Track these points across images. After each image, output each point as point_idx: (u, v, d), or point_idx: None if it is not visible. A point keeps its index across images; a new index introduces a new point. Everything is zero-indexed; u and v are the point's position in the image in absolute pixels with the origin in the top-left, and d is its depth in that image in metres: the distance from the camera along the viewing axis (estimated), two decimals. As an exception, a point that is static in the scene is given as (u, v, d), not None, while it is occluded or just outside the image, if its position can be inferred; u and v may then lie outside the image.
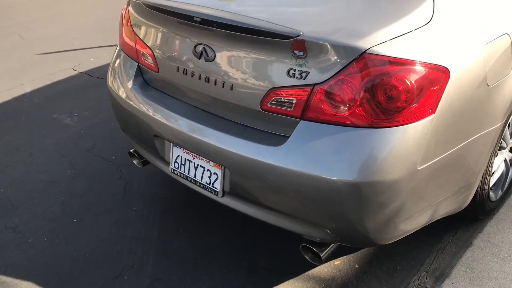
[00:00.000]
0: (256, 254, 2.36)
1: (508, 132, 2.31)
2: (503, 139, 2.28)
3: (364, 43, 1.62)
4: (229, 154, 1.90)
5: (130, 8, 2.34)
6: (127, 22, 2.37)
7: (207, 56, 1.94)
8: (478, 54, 1.80)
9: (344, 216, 1.74)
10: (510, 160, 2.50)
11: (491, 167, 2.20)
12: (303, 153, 1.72)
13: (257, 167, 1.82)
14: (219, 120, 2.01)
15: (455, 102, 1.73)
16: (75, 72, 4.54)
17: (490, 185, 2.29)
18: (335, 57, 1.65)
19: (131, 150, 2.58)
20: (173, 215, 2.65)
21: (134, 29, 2.30)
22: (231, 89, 1.91)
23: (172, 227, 2.57)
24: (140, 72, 2.34)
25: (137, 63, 2.33)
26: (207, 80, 1.98)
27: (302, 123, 1.75)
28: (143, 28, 2.25)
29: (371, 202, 1.68)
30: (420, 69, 1.64)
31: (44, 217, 2.68)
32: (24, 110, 3.89)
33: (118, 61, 2.48)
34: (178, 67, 2.08)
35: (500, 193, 2.45)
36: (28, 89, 4.24)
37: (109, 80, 2.49)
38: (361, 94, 1.65)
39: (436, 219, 2.00)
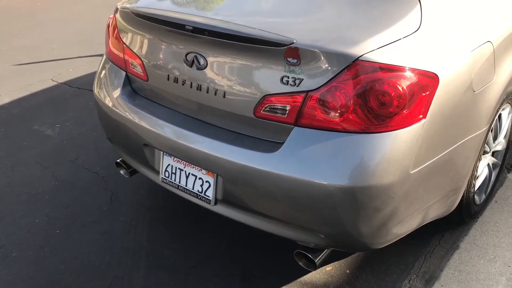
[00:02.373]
0: (248, 262, 2.36)
1: (491, 137, 2.38)
2: (486, 144, 2.35)
3: (356, 51, 1.65)
4: (222, 161, 1.90)
5: (117, 16, 2.33)
6: (114, 31, 2.36)
7: (199, 64, 1.95)
8: (464, 61, 1.86)
9: (339, 221, 1.76)
10: (492, 164, 2.57)
11: (476, 171, 2.26)
12: (298, 159, 1.74)
13: (251, 174, 1.83)
14: (211, 128, 2.02)
15: (444, 107, 1.78)
16: (54, 83, 4.48)
17: (475, 189, 2.35)
18: (328, 64, 1.68)
19: (118, 160, 2.56)
20: (162, 225, 2.63)
21: (122, 38, 2.29)
22: (224, 96, 1.91)
23: (162, 236, 2.55)
24: (128, 81, 2.33)
25: (125, 72, 2.32)
26: (199, 88, 1.98)
27: (296, 129, 1.77)
28: (131, 36, 2.24)
29: (365, 206, 1.71)
30: (411, 75, 1.68)
31: (28, 230, 2.62)
32: (3, 121, 3.81)
33: (104, 70, 2.46)
34: (168, 75, 2.08)
35: (483, 196, 2.51)
36: (6, 100, 4.16)
37: (96, 89, 2.47)
38: (354, 100, 1.68)
39: (425, 223, 2.04)
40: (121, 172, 2.59)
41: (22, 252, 2.48)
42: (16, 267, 2.38)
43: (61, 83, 4.47)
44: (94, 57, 5.05)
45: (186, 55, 1.98)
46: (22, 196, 2.91)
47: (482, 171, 2.44)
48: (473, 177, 2.22)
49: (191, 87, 2.01)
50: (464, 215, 2.34)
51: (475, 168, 2.20)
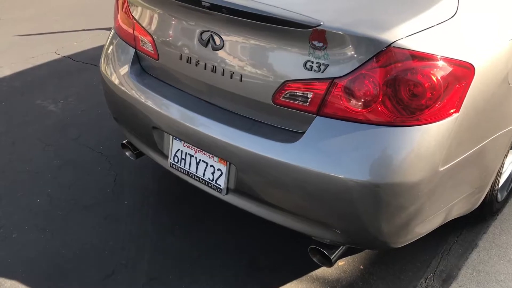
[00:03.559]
0: (257, 252, 2.26)
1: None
2: (513, 139, 2.23)
3: (389, 36, 1.52)
4: (237, 150, 1.79)
5: (128, -11, 2.19)
6: (124, 5, 2.21)
7: (215, 44, 1.81)
8: (501, 51, 1.72)
9: (359, 217, 1.66)
10: (516, 160, 2.46)
11: (502, 167, 2.15)
12: (319, 151, 1.62)
13: (267, 165, 1.72)
14: (225, 113, 1.89)
15: (478, 100, 1.65)
16: (57, 56, 4.33)
17: (499, 186, 2.24)
18: (357, 50, 1.55)
19: (124, 142, 2.44)
20: (167, 210, 2.53)
21: (132, 12, 2.15)
22: (240, 80, 1.79)
23: (167, 222, 2.45)
24: (137, 59, 2.20)
25: (134, 49, 2.18)
26: (214, 70, 1.85)
27: (318, 119, 1.65)
28: (142, 11, 2.10)
29: (389, 204, 1.60)
30: (446, 65, 1.55)
31: (29, 210, 2.52)
32: (4, 95, 3.68)
33: (112, 46, 2.33)
34: (181, 55, 1.95)
35: (505, 193, 2.40)
36: (7, 72, 4.02)
37: (102, 66, 2.34)
38: (383, 90, 1.55)
39: (447, 221, 1.93)
40: (127, 154, 2.48)
41: (23, 233, 2.38)
42: (16, 249, 2.29)
43: (64, 56, 4.33)
44: (99, 31, 4.89)
45: (201, 34, 1.85)
46: (23, 174, 2.80)
47: (507, 168, 2.33)
48: (499, 173, 2.11)
49: (205, 68, 1.88)
50: (485, 212, 2.23)
51: (502, 164, 2.08)
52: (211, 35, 1.82)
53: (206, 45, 1.84)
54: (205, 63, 1.87)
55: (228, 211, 2.48)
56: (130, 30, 2.17)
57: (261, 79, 1.74)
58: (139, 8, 2.11)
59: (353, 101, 1.59)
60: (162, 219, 2.47)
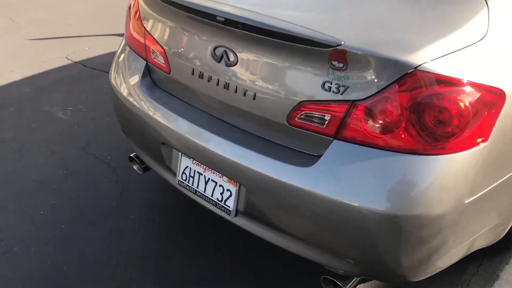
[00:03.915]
0: (263, 276, 2.16)
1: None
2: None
3: (415, 59, 1.42)
4: (248, 171, 1.70)
5: (140, -1, 2.12)
6: (136, 15, 2.14)
7: (228, 60, 1.73)
8: (533, 76, 1.62)
9: (376, 249, 1.55)
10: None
11: (528, 197, 2.03)
12: (336, 177, 1.53)
13: (280, 189, 1.62)
14: (237, 132, 1.81)
15: (508, 129, 1.55)
16: (68, 61, 4.28)
17: (524, 215, 2.12)
18: (381, 72, 1.45)
19: (131, 155, 2.36)
20: (173, 226, 2.45)
21: (144, 23, 2.08)
22: (254, 98, 1.70)
23: (173, 239, 2.36)
24: (148, 71, 2.12)
25: (145, 61, 2.11)
26: (226, 86, 1.77)
27: (336, 143, 1.56)
28: (154, 23, 2.02)
29: (410, 237, 1.50)
30: (475, 91, 1.45)
31: (32, 222, 2.45)
32: (13, 100, 3.63)
33: (123, 56, 2.25)
34: (193, 69, 1.86)
35: (529, 222, 2.28)
36: (18, 76, 3.97)
37: (112, 76, 2.27)
38: (407, 116, 1.46)
39: (469, 253, 1.82)
40: (134, 167, 2.40)
41: (24, 246, 2.31)
42: (16, 264, 2.21)
43: (75, 62, 4.27)
44: (112, 37, 4.83)
45: (214, 49, 1.77)
46: (28, 183, 2.73)
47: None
48: (524, 203, 2.00)
49: (217, 84, 1.79)
50: (509, 243, 2.12)
51: (528, 194, 1.97)
52: (225, 51, 1.73)
53: (219, 61, 1.76)
54: (218, 79, 1.79)
55: (236, 231, 2.38)
56: (142, 41, 2.10)
57: (275, 98, 1.65)
58: (151, 20, 2.03)
59: (374, 126, 1.49)
60: (168, 236, 2.38)
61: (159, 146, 2.02)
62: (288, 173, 1.61)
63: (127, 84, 2.16)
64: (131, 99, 2.10)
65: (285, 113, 1.64)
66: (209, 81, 1.82)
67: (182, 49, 1.91)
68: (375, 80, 1.47)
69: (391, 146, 1.48)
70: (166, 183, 2.67)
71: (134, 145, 2.31)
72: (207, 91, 1.85)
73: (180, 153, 1.97)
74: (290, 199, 1.61)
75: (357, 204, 1.49)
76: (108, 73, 4.03)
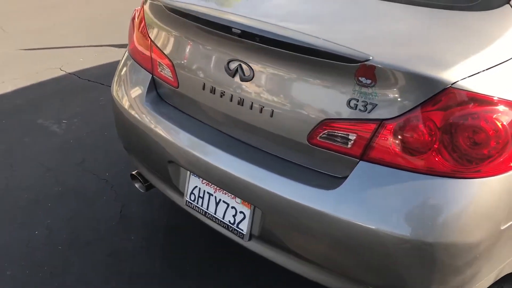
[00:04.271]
0: (276, 303, 2.05)
1: None
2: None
3: (449, 76, 1.33)
4: (264, 193, 1.59)
5: (145, 9, 2.01)
6: (140, 25, 2.04)
7: (244, 74, 1.63)
8: None
9: (405, 278, 1.45)
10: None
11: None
12: (363, 201, 1.43)
13: (301, 213, 1.52)
14: (252, 151, 1.70)
15: (543, 150, 1.46)
16: (62, 73, 4.15)
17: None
18: (412, 89, 1.36)
19: (133, 172, 2.24)
20: (178, 248, 2.32)
21: (150, 34, 1.97)
22: (271, 115, 1.60)
23: (178, 262, 2.23)
24: (154, 85, 2.01)
25: (151, 75, 2.00)
26: (241, 102, 1.66)
27: (362, 164, 1.46)
28: (161, 34, 1.92)
29: (443, 266, 1.40)
30: (511, 110, 1.36)
31: (26, 244, 2.31)
32: (5, 112, 3.49)
33: (126, 69, 2.14)
34: (204, 84, 1.76)
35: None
36: (9, 88, 3.83)
37: (115, 90, 2.15)
38: (440, 136, 1.36)
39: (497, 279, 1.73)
40: (136, 185, 2.28)
41: (18, 270, 2.16)
42: (10, 289, 2.07)
43: (70, 73, 4.15)
44: (107, 47, 4.72)
45: (228, 63, 1.66)
46: (21, 201, 2.59)
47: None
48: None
49: (231, 100, 1.69)
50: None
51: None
52: (240, 65, 1.63)
53: (233, 75, 1.66)
54: (231, 95, 1.68)
55: (244, 253, 2.25)
56: (148, 54, 1.99)
57: (295, 115, 1.55)
58: (158, 30, 1.93)
59: (404, 147, 1.40)
60: (172, 259, 2.25)
61: (166, 165, 1.90)
62: (310, 196, 1.50)
63: (131, 98, 2.04)
64: (135, 115, 1.98)
65: (306, 131, 1.54)
66: (221, 96, 1.72)
67: (192, 63, 1.80)
68: (406, 98, 1.37)
69: (422, 168, 1.38)
70: (170, 202, 2.56)
71: (137, 163, 2.19)
72: (219, 107, 1.74)
73: (188, 172, 1.86)
74: (312, 223, 1.51)
75: (386, 230, 1.38)
76: (104, 84, 3.95)
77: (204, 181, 1.82)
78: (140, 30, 2.04)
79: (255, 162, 1.65)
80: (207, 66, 1.75)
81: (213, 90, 1.74)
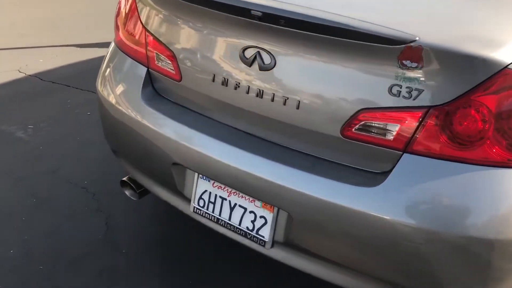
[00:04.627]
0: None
1: None
2: None
3: (504, 56, 1.22)
4: (292, 194, 1.42)
5: (137, -5, 1.80)
6: (131, 13, 1.82)
7: (263, 63, 1.46)
8: None
9: (462, 278, 1.32)
10: None
11: None
12: (411, 198, 1.29)
13: (338, 214, 1.36)
14: (274, 148, 1.53)
15: None
16: (21, 75, 3.81)
17: None
18: (463, 72, 1.24)
19: (124, 178, 2.01)
20: (175, 261, 2.10)
21: (144, 22, 1.76)
22: (297, 107, 1.43)
23: (176, 278, 2.02)
24: (150, 80, 1.80)
25: (146, 68, 1.79)
26: (260, 94, 1.49)
27: (406, 157, 1.32)
28: (159, 22, 1.72)
29: (505, 264, 1.28)
30: None
31: (1, 265, 2.03)
32: (-39, 119, 3.14)
33: (114, 63, 1.91)
34: (214, 76, 1.57)
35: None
36: (-37, 93, 3.47)
37: (101, 87, 1.92)
38: (495, 123, 1.25)
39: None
40: (127, 193, 2.05)
41: (-6, 296, 1.90)
42: (-12, 319, 1.80)
43: (30, 75, 3.81)
44: (69, 48, 4.40)
45: (243, 50, 1.49)
46: (-10, 217, 2.30)
47: None
48: None
49: (247, 92, 1.51)
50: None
51: None
52: (258, 52, 1.46)
53: (250, 64, 1.48)
54: (248, 86, 1.51)
55: (248, 261, 2.08)
56: (141, 44, 1.78)
57: (326, 106, 1.40)
58: (155, 18, 1.73)
59: (454, 136, 1.27)
60: (170, 274, 2.04)
61: (169, 168, 1.70)
62: (347, 194, 1.35)
63: (123, 95, 1.82)
64: (129, 113, 1.77)
65: (339, 123, 1.38)
66: (236, 88, 1.54)
67: (198, 52, 1.61)
68: (456, 82, 1.25)
69: (478, 158, 1.26)
70: (162, 209, 2.36)
71: (130, 167, 1.96)
72: (234, 100, 1.56)
73: (196, 175, 1.67)
74: (352, 225, 1.35)
75: (439, 228, 1.25)
76: (69, 86, 3.66)
77: (216, 184, 1.63)
78: (131, 18, 1.83)
79: (279, 160, 1.48)
80: (217, 55, 1.57)
81: (225, 82, 1.56)
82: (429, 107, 1.28)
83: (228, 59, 1.54)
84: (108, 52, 1.98)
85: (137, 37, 1.80)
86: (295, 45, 1.41)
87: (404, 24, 1.28)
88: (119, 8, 1.94)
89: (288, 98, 1.44)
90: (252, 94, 1.50)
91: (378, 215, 1.30)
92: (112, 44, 1.97)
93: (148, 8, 1.75)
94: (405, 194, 1.30)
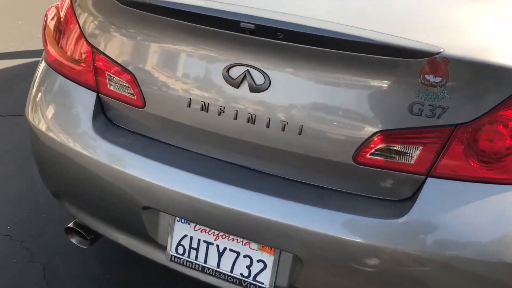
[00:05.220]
0: None
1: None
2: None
3: (533, 66, 1.13)
4: (302, 234, 1.23)
5: (78, 4, 1.48)
6: (70, 24, 1.50)
7: (255, 84, 1.24)
8: None
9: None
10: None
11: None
12: (444, 227, 1.16)
13: (358, 253, 1.19)
14: (272, 181, 1.32)
15: None
16: None
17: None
18: (491, 86, 1.13)
19: (70, 225, 1.67)
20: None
21: (89, 37, 1.45)
22: (300, 133, 1.23)
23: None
24: (101, 107, 1.49)
25: (95, 93, 1.47)
26: (252, 120, 1.27)
27: (431, 181, 1.18)
28: (110, 35, 1.42)
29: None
30: None
31: None
32: None
33: (48, 88, 1.57)
34: (190, 99, 1.32)
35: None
36: None
37: (32, 117, 1.57)
38: (525, 138, 1.15)
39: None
40: (74, 241, 1.71)
41: None
42: None
43: None
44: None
45: (228, 69, 1.26)
46: None
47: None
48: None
49: (235, 118, 1.28)
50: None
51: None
52: (248, 71, 1.24)
53: (238, 85, 1.25)
54: (237, 111, 1.28)
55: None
56: (87, 64, 1.46)
57: (335, 130, 1.22)
58: (105, 30, 1.42)
59: (483, 155, 1.16)
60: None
61: (138, 212, 1.41)
62: (371, 229, 1.19)
63: (67, 127, 1.49)
64: (79, 149, 1.45)
65: (352, 149, 1.21)
66: (220, 114, 1.30)
67: (167, 72, 1.35)
68: (483, 97, 1.13)
69: (504, 178, 1.16)
70: (106, 246, 2.02)
71: (78, 211, 1.63)
72: (218, 128, 1.32)
73: (172, 218, 1.40)
74: (373, 264, 1.19)
75: (477, 256, 1.14)
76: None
77: (198, 227, 1.38)
78: (68, 31, 1.50)
79: (279, 194, 1.28)
80: (193, 75, 1.31)
81: (205, 107, 1.31)
82: (455, 126, 1.15)
83: (208, 79, 1.30)
84: (37, 72, 1.62)
85: (79, 55, 1.48)
86: (294, 62, 1.21)
87: (422, 35, 1.14)
88: (47, 19, 1.59)
89: (287, 123, 1.24)
90: (242, 120, 1.28)
91: (410, 251, 1.16)
92: (43, 64, 1.61)
93: (92, 18, 1.44)
94: (436, 223, 1.16)
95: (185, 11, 1.23)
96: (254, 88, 1.24)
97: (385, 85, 1.17)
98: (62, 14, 1.54)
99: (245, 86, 1.25)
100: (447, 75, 1.11)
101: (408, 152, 1.19)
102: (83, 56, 1.47)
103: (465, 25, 1.22)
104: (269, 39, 1.18)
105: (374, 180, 1.24)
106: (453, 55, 1.10)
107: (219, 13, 1.20)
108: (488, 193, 1.16)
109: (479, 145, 1.16)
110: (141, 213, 1.41)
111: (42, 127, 1.51)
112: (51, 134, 1.50)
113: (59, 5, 1.58)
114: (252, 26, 1.16)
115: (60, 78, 1.53)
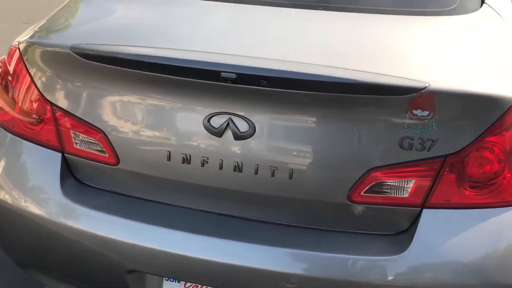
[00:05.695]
0: None
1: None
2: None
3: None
4: (303, 280, 1.19)
5: (29, 58, 1.35)
6: (23, 83, 1.37)
7: (239, 131, 1.18)
8: None
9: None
10: None
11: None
12: (447, 256, 1.16)
13: (365, 293, 1.18)
14: (265, 229, 1.26)
15: None
16: None
17: None
18: (476, 114, 1.14)
19: (41, 294, 1.54)
20: None
21: (46, 94, 1.33)
22: (290, 178, 1.20)
23: None
24: (67, 168, 1.37)
25: (60, 153, 1.35)
26: (239, 168, 1.21)
27: (426, 213, 1.19)
28: (69, 91, 1.31)
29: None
30: None
31: None
32: None
33: (3, 149, 1.42)
34: (169, 152, 1.24)
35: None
36: None
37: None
38: (509, 160, 1.18)
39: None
40: (46, 310, 1.58)
41: None
42: None
43: None
44: None
45: (209, 119, 1.19)
46: None
47: None
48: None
49: (220, 168, 1.22)
50: None
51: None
52: (230, 119, 1.19)
53: (221, 135, 1.20)
54: (221, 161, 1.22)
55: None
56: (47, 123, 1.34)
57: (327, 171, 1.19)
58: (65, 87, 1.31)
59: (472, 181, 1.18)
60: None
61: (122, 276, 1.31)
62: (373, 268, 1.17)
63: (31, 193, 1.36)
64: (48, 216, 1.33)
65: (345, 188, 1.19)
66: (203, 165, 1.23)
67: (140, 126, 1.26)
68: (470, 125, 1.15)
69: (495, 201, 1.19)
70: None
71: (50, 280, 1.49)
72: (201, 179, 1.25)
73: (161, 279, 1.32)
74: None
75: (484, 282, 1.16)
76: None
77: (189, 284, 1.31)
78: (22, 90, 1.37)
79: (274, 242, 1.23)
80: (171, 127, 1.24)
81: (187, 159, 1.24)
82: (445, 156, 1.16)
83: (188, 131, 1.23)
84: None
85: (36, 113, 1.35)
86: (279, 106, 1.17)
87: (405, 71, 1.14)
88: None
89: (277, 168, 1.20)
90: (228, 169, 1.22)
91: (415, 285, 1.15)
92: (-7, 125, 1.46)
93: (49, 73, 1.32)
94: (437, 254, 1.16)
95: (158, 63, 1.16)
96: (238, 136, 1.19)
97: (374, 123, 1.15)
98: (10, 69, 1.41)
99: (228, 135, 1.19)
100: (434, 108, 1.12)
101: (402, 186, 1.18)
102: (42, 114, 1.34)
103: (437, 60, 1.23)
104: (251, 86, 1.13)
105: (370, 217, 1.23)
106: (439, 88, 1.10)
107: (197, 64, 1.13)
108: (483, 218, 1.18)
109: (468, 172, 1.18)
110: (125, 278, 1.31)
111: (4, 197, 1.37)
112: (12, 201, 1.36)
113: (5, 59, 1.44)
114: (234, 76, 1.11)
115: (16, 140, 1.40)
